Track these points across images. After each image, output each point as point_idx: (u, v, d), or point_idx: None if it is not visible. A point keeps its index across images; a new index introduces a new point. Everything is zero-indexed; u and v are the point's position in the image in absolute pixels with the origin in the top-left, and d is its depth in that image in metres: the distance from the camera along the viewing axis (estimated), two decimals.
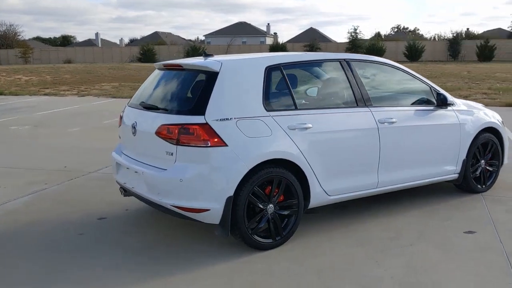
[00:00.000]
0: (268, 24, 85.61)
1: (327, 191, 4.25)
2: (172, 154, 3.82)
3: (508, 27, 73.34)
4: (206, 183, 3.74)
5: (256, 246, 3.94)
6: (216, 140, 3.72)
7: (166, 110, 4.08)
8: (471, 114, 5.32)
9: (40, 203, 5.36)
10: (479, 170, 5.39)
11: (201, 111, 3.80)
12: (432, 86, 5.11)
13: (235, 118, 3.82)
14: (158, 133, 3.90)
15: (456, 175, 5.19)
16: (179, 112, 3.93)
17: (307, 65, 4.49)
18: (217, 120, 3.77)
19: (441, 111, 5.03)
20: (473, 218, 4.67)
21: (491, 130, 5.44)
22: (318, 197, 4.22)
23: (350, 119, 4.43)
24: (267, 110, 3.99)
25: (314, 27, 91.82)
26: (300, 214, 4.15)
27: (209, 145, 3.72)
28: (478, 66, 37.52)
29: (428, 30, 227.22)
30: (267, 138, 3.91)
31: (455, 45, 51.92)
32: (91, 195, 5.60)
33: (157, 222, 4.69)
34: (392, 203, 5.06)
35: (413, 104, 4.99)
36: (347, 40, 54.23)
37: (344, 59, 4.63)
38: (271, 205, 3.96)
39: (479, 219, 4.64)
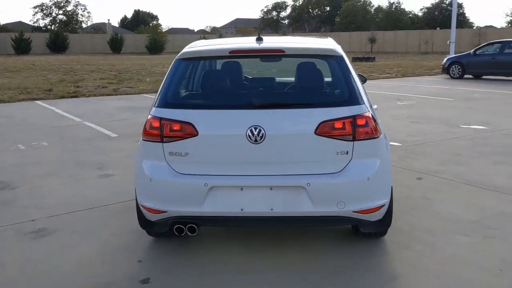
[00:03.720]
0: None
1: None
2: (347, 152, 3.24)
3: (30, 21, 75.09)
4: (383, 176, 3.42)
5: (384, 233, 3.81)
6: (378, 128, 3.43)
7: (315, 105, 3.33)
8: None
9: None
10: None
11: (358, 99, 3.37)
12: None
13: (368, 104, 3.53)
14: (321, 132, 3.20)
15: None
16: (338, 104, 3.33)
17: None
18: (369, 107, 3.44)
19: None
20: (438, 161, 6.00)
21: None
22: None
23: None
24: None
25: None
26: None
27: (378, 135, 3.40)
28: (40, 58, 37.42)
29: None
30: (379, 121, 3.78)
31: None
32: (56, 257, 3.58)
33: (208, 255, 3.65)
34: None
35: None
36: None
37: None
38: None
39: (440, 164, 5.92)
